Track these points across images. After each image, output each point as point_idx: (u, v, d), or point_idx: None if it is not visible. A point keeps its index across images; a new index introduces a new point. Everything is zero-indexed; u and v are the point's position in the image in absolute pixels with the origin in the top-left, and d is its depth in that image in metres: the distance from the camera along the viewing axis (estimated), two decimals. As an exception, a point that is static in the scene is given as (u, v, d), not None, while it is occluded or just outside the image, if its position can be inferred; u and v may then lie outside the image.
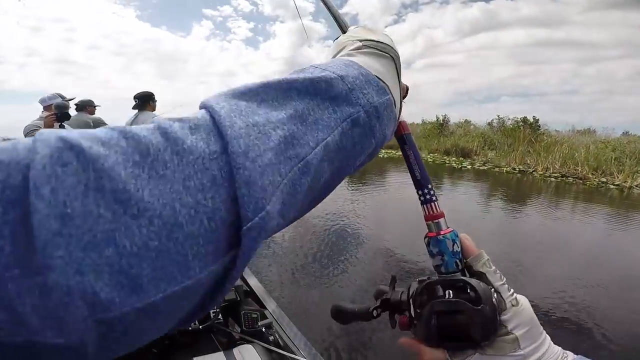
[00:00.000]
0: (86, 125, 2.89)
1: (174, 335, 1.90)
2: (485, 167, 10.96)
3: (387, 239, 4.22)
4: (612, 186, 8.39)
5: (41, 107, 2.49)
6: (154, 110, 2.75)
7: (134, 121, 2.65)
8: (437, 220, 0.33)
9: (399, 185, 8.23)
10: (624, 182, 8.52)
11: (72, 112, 3.13)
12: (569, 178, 9.34)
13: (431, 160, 12.91)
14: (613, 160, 9.60)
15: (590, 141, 11.49)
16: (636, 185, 8.27)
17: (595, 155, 9.99)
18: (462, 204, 6.40)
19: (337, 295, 2.87)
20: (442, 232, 0.32)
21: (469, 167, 11.14)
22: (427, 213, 0.33)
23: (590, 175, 9.22)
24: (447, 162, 12.24)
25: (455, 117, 17.67)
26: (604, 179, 8.92)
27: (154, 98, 2.74)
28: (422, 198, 0.34)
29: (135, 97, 2.69)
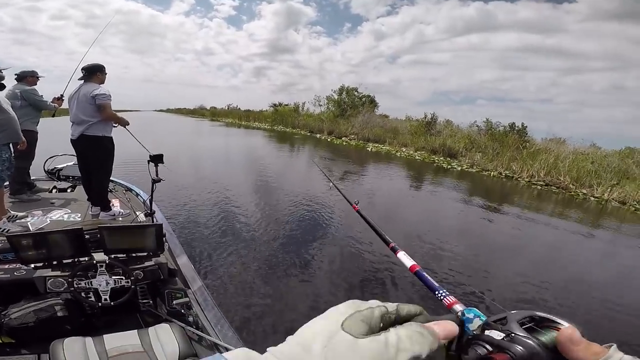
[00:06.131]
0: (14, 96, 2.89)
1: (94, 313, 1.74)
2: (474, 170, 10.91)
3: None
4: (592, 198, 8.51)
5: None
6: (103, 82, 2.73)
7: (76, 92, 2.65)
8: (454, 307, 0.39)
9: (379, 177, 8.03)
10: (602, 195, 8.68)
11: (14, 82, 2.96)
12: (553, 187, 9.40)
13: (420, 158, 12.75)
14: (593, 173, 9.73)
15: (569, 151, 11.59)
16: (612, 199, 8.44)
17: (576, 166, 10.09)
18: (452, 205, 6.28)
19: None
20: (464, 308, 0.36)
21: (458, 168, 11.08)
22: (446, 304, 0.41)
23: (571, 186, 9.30)
24: (436, 161, 12.15)
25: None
26: (584, 191, 9.02)
27: (104, 70, 2.74)
28: (439, 297, 0.44)
29: (82, 69, 2.67)
